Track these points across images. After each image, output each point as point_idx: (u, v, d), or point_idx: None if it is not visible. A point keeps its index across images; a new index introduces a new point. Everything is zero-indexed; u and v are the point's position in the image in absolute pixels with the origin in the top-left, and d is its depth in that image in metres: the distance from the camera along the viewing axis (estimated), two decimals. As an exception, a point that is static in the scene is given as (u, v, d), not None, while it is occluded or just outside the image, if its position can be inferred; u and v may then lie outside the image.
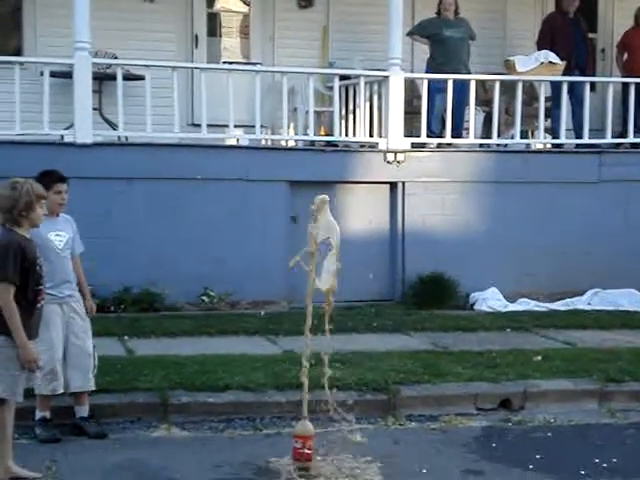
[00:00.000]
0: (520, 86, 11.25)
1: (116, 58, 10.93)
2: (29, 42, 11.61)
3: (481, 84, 11.89)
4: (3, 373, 5.39)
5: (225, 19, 12.83)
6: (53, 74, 10.27)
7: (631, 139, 11.82)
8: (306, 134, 11.18)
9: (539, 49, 12.01)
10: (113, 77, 10.22)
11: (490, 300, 10.77)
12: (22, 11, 11.71)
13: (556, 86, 11.75)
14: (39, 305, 5.53)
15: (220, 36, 12.75)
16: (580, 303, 11.01)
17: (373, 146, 11.06)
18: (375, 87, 11.11)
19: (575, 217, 11.31)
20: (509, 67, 11.80)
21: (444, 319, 10.00)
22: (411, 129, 11.27)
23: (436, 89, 11.22)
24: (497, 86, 11.21)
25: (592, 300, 11.08)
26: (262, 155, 10.73)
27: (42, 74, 10.08)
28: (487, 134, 11.61)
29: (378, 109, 11.07)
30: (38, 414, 6.30)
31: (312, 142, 11.19)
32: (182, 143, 10.53)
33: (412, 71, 12.02)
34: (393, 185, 11.06)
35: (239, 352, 8.09)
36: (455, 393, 7.27)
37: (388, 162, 10.90)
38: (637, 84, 11.69)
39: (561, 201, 11.29)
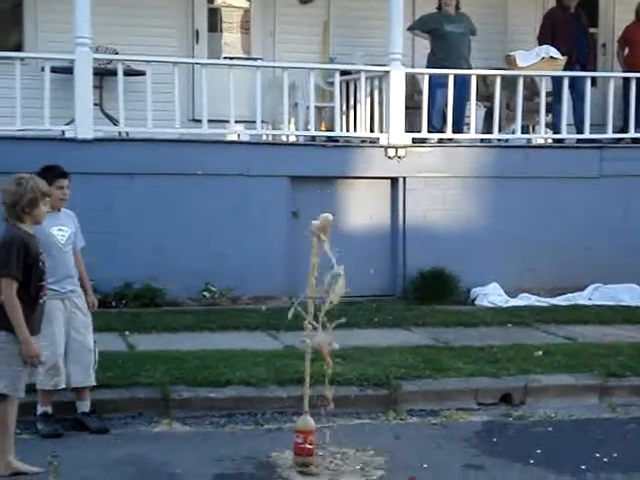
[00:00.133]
0: (521, 81, 11.25)
1: (117, 53, 10.95)
2: (30, 37, 11.61)
3: (482, 79, 11.89)
4: (5, 369, 5.40)
5: (226, 14, 12.82)
6: (54, 70, 10.26)
7: (632, 134, 11.81)
8: (307, 129, 11.18)
9: (540, 44, 12.00)
10: (114, 72, 10.21)
11: (491, 295, 10.77)
12: (23, 6, 11.71)
13: (557, 81, 11.74)
14: (41, 301, 5.54)
15: (221, 31, 12.74)
16: (581, 298, 11.02)
17: (374, 141, 11.05)
18: (376, 82, 11.11)
19: (576, 212, 11.31)
20: (510, 62, 11.79)
21: (445, 314, 10.00)
22: (412, 124, 11.25)
23: (437, 84, 11.22)
24: (498, 81, 11.20)
25: (593, 295, 11.08)
26: (263, 150, 10.73)
27: (43, 70, 10.08)
28: (488, 129, 11.60)
29: (379, 104, 11.07)
30: (40, 409, 6.31)
31: (313, 137, 11.21)
32: (183, 138, 10.53)
33: (413, 66, 12.00)
34: (394, 180, 11.06)
35: (240, 347, 8.09)
36: (456, 388, 7.27)
37: (389, 157, 10.90)
38: (638, 79, 11.68)
39: (562, 196, 11.29)
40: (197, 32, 12.31)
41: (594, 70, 12.47)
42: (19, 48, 11.46)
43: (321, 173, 10.68)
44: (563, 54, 11.76)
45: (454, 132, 11.21)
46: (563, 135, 11.62)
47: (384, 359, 7.77)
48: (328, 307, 5.68)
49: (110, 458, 5.83)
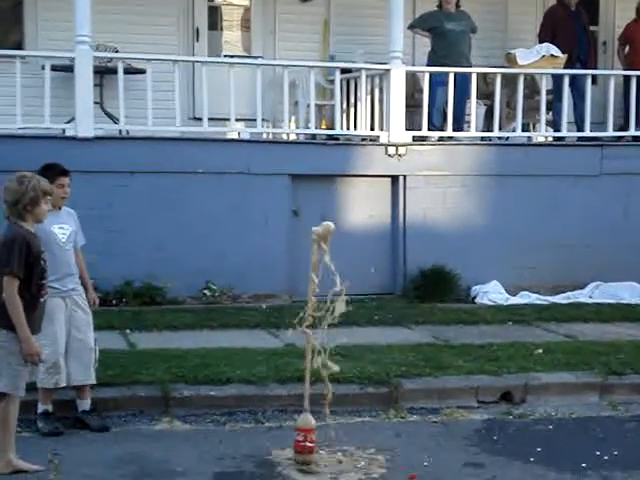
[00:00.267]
0: (521, 79, 11.24)
1: (117, 52, 10.93)
2: (30, 36, 11.61)
3: (482, 77, 11.88)
4: (6, 367, 5.41)
5: (226, 12, 12.82)
6: (54, 68, 10.26)
7: (632, 132, 11.82)
8: (307, 127, 11.18)
9: (540, 42, 12.00)
10: (114, 71, 10.21)
11: (491, 293, 10.77)
12: (23, 5, 11.70)
13: (557, 79, 11.73)
14: (42, 299, 5.55)
15: (221, 29, 12.74)
16: (581, 296, 11.02)
17: (374, 139, 11.05)
18: (376, 80, 11.11)
19: (576, 210, 11.31)
20: (510, 60, 11.79)
21: (445, 312, 10.01)
22: (412, 122, 11.26)
23: (437, 82, 11.21)
24: (498, 79, 11.20)
25: (593, 293, 11.08)
26: (263, 149, 10.73)
27: (43, 68, 10.08)
28: (488, 127, 11.60)
29: (379, 102, 11.07)
30: (40, 407, 6.31)
31: (313, 136, 11.20)
32: (183, 137, 10.53)
33: (413, 64, 12.00)
34: (394, 178, 11.06)
35: (241, 345, 8.10)
36: (456, 386, 7.27)
37: (389, 155, 10.90)
38: (638, 77, 11.67)
39: (562, 194, 11.29)
40: (197, 30, 12.31)
41: (594, 68, 12.45)
42: (19, 46, 11.46)
43: (322, 171, 10.68)
44: (563, 52, 11.76)
45: (454, 130, 11.21)
46: (563, 133, 11.62)
47: (384, 357, 7.77)
48: (326, 324, 5.65)
49: (110, 456, 5.84)
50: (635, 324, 9.72)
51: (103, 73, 10.80)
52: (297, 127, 11.54)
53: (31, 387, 5.87)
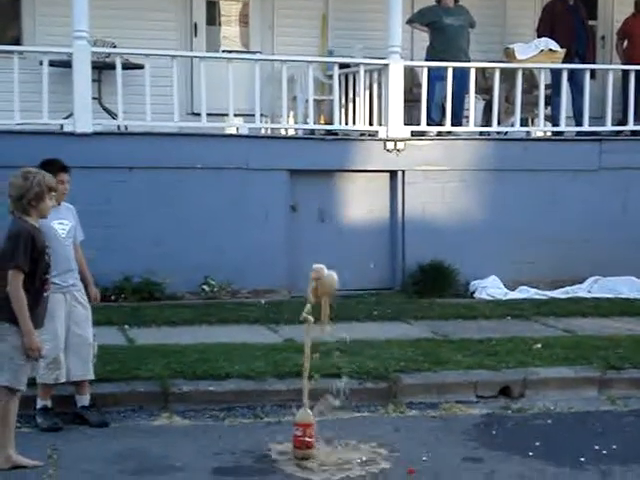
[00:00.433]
0: (520, 74, 11.25)
1: (115, 47, 10.93)
2: (28, 31, 11.59)
3: (481, 72, 11.87)
4: (8, 362, 5.41)
5: (224, 7, 12.80)
6: (52, 63, 10.26)
7: (631, 126, 11.81)
8: (306, 123, 11.18)
9: (539, 37, 11.98)
10: (112, 66, 10.20)
11: (490, 288, 10.78)
12: (21, 0, 11.68)
13: (556, 74, 11.73)
14: (45, 294, 5.56)
15: (219, 25, 12.72)
16: (580, 291, 11.03)
17: (373, 134, 11.04)
18: (375, 75, 11.10)
19: (575, 205, 11.31)
20: (509, 55, 11.77)
21: (444, 307, 10.01)
22: (411, 117, 11.25)
23: (436, 77, 11.20)
24: (497, 74, 11.20)
25: (592, 288, 11.09)
26: (262, 144, 10.72)
27: (41, 63, 10.05)
28: (487, 122, 11.60)
29: (378, 97, 11.06)
30: (39, 403, 6.31)
31: (312, 131, 11.20)
32: (182, 132, 10.52)
33: (412, 59, 11.99)
34: (393, 173, 11.05)
35: (240, 341, 8.10)
36: (455, 381, 7.28)
37: (388, 150, 10.89)
38: (637, 71, 11.67)
39: (561, 189, 11.29)
40: (196, 25, 12.29)
41: (593, 63, 12.45)
42: (17, 42, 11.44)
43: (320, 167, 10.68)
44: (562, 47, 11.73)
45: (453, 125, 11.21)
46: (562, 128, 11.62)
47: (383, 352, 7.77)
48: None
49: (110, 451, 5.84)
50: (634, 318, 9.72)
51: (101, 68, 10.79)
52: (296, 122, 11.53)
53: (30, 383, 5.86)
